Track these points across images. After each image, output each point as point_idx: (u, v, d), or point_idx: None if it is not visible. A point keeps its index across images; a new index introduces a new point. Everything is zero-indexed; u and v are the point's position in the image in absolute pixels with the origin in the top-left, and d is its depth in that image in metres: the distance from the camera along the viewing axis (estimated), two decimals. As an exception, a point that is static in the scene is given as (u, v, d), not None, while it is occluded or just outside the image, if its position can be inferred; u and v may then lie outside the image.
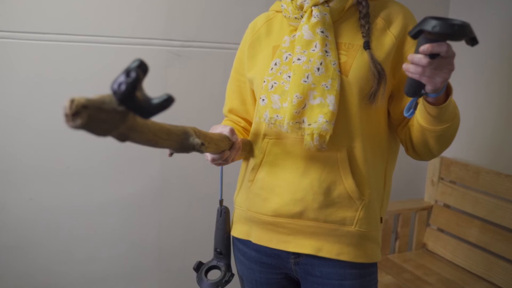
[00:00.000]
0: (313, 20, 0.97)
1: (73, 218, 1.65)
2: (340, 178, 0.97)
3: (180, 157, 1.75)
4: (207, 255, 1.85)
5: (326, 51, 0.95)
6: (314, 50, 0.95)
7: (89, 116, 0.47)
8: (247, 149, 1.07)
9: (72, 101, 0.46)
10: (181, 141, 0.76)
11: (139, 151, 1.69)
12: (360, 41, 0.98)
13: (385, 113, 1.02)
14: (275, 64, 0.99)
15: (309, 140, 0.93)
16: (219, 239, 1.13)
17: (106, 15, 1.57)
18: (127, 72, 0.51)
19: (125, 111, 0.53)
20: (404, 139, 1.02)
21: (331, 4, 0.99)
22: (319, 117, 0.92)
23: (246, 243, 1.10)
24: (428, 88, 0.83)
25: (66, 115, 0.46)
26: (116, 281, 1.75)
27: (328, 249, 0.99)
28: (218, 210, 1.15)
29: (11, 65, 1.50)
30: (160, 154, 1.71)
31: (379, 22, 0.99)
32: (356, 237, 0.98)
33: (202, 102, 1.75)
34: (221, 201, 1.16)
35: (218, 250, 1.13)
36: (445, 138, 0.94)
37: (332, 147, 0.96)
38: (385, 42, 0.97)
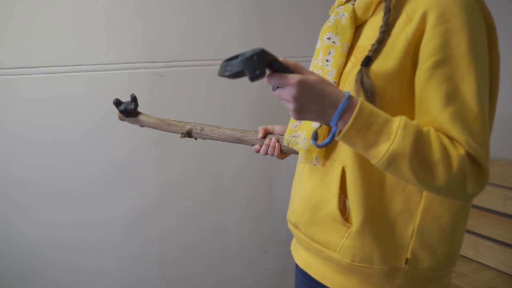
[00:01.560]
0: (327, 25, 0.88)
1: (76, 238, 1.73)
2: (329, 197, 0.86)
3: (174, 171, 1.83)
4: (208, 261, 1.94)
5: (326, 60, 0.85)
6: (317, 60, 0.88)
7: None
8: None
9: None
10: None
11: (133, 169, 1.77)
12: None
13: None
14: None
15: (300, 155, 0.89)
16: None
17: (88, 44, 1.65)
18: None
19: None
20: None
21: (356, 2, 0.86)
22: (303, 133, 0.88)
23: None
24: None
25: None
26: (124, 296, 1.83)
27: (315, 269, 0.92)
28: None
29: (6, 102, 1.58)
30: (154, 168, 1.79)
31: (403, 17, 0.77)
32: (341, 266, 0.86)
33: (188, 118, 1.82)
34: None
35: None
36: (399, 177, 0.75)
37: (330, 163, 0.87)
38: (395, 48, 0.77)
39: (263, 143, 1.03)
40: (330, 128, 0.84)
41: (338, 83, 0.84)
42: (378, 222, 0.82)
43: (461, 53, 0.71)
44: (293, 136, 0.91)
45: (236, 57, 0.69)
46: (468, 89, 0.72)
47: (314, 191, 0.89)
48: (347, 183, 0.83)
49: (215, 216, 1.96)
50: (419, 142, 0.69)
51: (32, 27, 1.57)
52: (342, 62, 0.84)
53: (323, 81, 0.71)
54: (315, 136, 0.80)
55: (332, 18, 0.88)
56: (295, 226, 0.96)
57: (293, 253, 1.03)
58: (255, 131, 1.05)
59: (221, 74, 0.69)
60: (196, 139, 1.17)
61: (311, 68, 0.90)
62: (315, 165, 0.87)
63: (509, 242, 1.80)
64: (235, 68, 0.66)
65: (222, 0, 1.80)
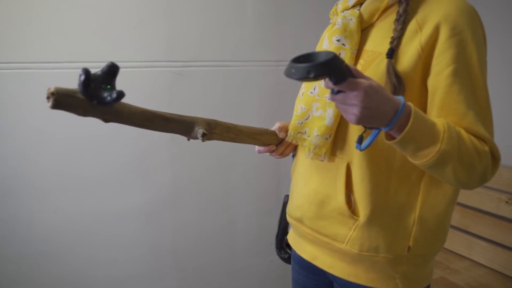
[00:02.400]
0: (335, 27, 0.92)
1: (94, 225, 1.82)
2: (335, 192, 0.91)
3: (190, 164, 1.93)
4: (219, 253, 2.04)
5: None
6: None
7: (56, 101, 0.71)
8: None
9: (48, 89, 0.69)
10: (187, 130, 0.91)
11: (151, 163, 1.86)
12: (384, 48, 0.86)
13: None
14: None
15: (306, 152, 0.93)
16: (278, 221, 1.25)
17: (112, 42, 1.73)
18: (80, 73, 0.71)
19: (86, 99, 0.72)
20: None
21: (362, 7, 0.91)
22: (314, 130, 0.91)
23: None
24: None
25: (46, 99, 0.68)
26: (137, 282, 1.93)
27: (322, 260, 0.98)
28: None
29: (33, 94, 1.66)
30: (170, 163, 1.89)
31: (413, 24, 0.84)
32: (348, 256, 0.92)
33: (206, 115, 1.91)
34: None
35: (278, 231, 1.25)
36: (442, 173, 0.79)
37: (334, 160, 0.92)
38: (409, 51, 0.83)
39: (279, 142, 1.03)
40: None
41: None
42: (384, 214, 0.88)
43: (474, 62, 0.81)
44: (299, 133, 0.94)
45: (298, 59, 0.69)
46: (481, 94, 0.83)
47: (320, 187, 0.94)
48: (353, 179, 0.89)
49: (226, 209, 2.05)
50: (461, 141, 0.77)
51: (60, 25, 1.65)
52: (352, 64, 0.89)
53: (382, 86, 0.73)
54: (360, 140, 0.80)
55: (340, 21, 0.92)
56: (299, 221, 1.01)
57: (294, 246, 1.09)
58: (271, 130, 1.03)
59: (301, 75, 0.66)
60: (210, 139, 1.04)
61: None
62: (321, 160, 0.92)
63: (500, 242, 1.91)
64: (323, 71, 0.65)
65: (240, 4, 1.89)
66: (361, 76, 0.73)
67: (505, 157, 1.95)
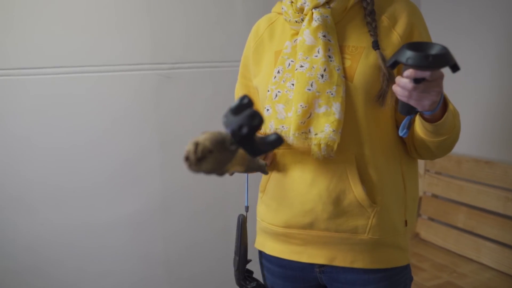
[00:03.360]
0: (314, 23, 0.92)
1: (82, 237, 1.76)
2: (350, 186, 0.93)
3: (179, 172, 1.86)
4: (212, 262, 1.96)
5: (329, 56, 0.91)
6: (317, 56, 0.91)
7: (215, 160, 0.45)
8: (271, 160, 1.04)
9: (196, 144, 0.43)
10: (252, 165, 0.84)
11: (138, 169, 1.80)
12: (365, 43, 0.93)
13: (393, 116, 0.97)
14: (278, 72, 0.96)
15: (316, 150, 0.90)
16: (236, 247, 1.08)
17: (95, 46, 1.68)
18: (251, 117, 0.51)
19: (235, 150, 0.54)
20: (407, 143, 0.99)
21: (332, 4, 0.94)
22: (325, 126, 0.89)
23: (270, 259, 1.07)
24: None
25: (189, 160, 0.41)
26: (129, 295, 1.86)
27: (342, 258, 0.97)
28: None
29: (14, 101, 1.60)
30: (159, 171, 1.82)
31: (384, 20, 0.94)
32: (370, 244, 0.95)
33: (194, 119, 1.86)
34: (246, 207, 1.10)
35: (236, 258, 1.08)
36: (446, 146, 0.92)
37: (339, 155, 0.92)
38: (392, 41, 0.92)
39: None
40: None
41: (346, 77, 0.91)
42: (390, 195, 0.95)
43: None
44: (302, 133, 0.91)
45: (418, 46, 0.75)
46: None
47: (331, 185, 0.93)
48: (364, 169, 0.93)
49: (219, 217, 1.98)
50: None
51: (40, 28, 1.61)
52: (341, 59, 0.92)
53: None
54: (408, 126, 0.89)
55: (319, 18, 0.92)
56: (309, 227, 0.96)
57: (295, 257, 1.01)
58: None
59: (423, 63, 0.72)
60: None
61: (307, 66, 0.91)
62: (331, 156, 0.90)
63: (509, 243, 1.82)
64: (445, 61, 0.73)
65: (228, 2, 1.83)
66: None
67: (510, 155, 1.88)
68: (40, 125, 1.65)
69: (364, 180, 0.93)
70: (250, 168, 0.84)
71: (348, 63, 0.92)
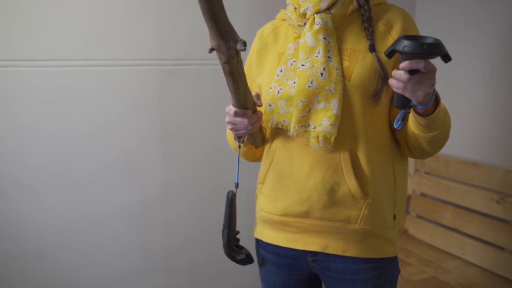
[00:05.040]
0: (316, 27, 1.00)
1: (84, 224, 1.82)
2: (344, 178, 1.00)
3: (178, 164, 1.93)
4: (209, 251, 2.03)
5: (329, 57, 0.99)
6: (317, 56, 0.99)
7: None
8: (262, 136, 1.11)
9: None
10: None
11: (140, 161, 1.86)
12: (362, 46, 1.01)
13: (387, 115, 1.05)
14: (281, 70, 1.04)
15: (314, 143, 0.98)
16: (225, 220, 1.12)
17: (102, 40, 1.73)
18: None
19: None
20: (400, 141, 1.06)
21: (332, 11, 1.02)
22: (323, 120, 0.97)
23: (266, 247, 1.14)
24: (413, 101, 0.88)
25: None
26: (128, 281, 1.92)
27: (334, 246, 1.03)
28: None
29: (21, 92, 1.66)
30: (159, 162, 1.89)
31: (380, 26, 1.02)
32: (361, 234, 1.01)
33: (197, 114, 1.93)
34: (236, 184, 1.13)
35: (225, 230, 1.11)
36: (437, 142, 0.98)
37: (336, 149, 1.00)
38: (387, 45, 1.00)
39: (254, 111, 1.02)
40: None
41: (344, 76, 0.99)
42: (381, 188, 1.02)
43: None
44: (302, 126, 0.99)
45: (414, 38, 0.81)
46: None
47: (326, 176, 1.00)
48: (358, 163, 1.00)
49: (216, 207, 2.04)
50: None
51: (49, 22, 1.66)
52: (340, 60, 1.00)
53: None
54: (403, 118, 0.95)
55: (320, 21, 1.00)
56: (304, 215, 1.03)
57: (290, 244, 1.07)
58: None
59: (418, 50, 0.79)
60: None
61: (307, 65, 0.99)
62: (328, 150, 0.99)
63: (492, 241, 1.91)
64: (438, 50, 0.80)
65: (230, 3, 1.89)
66: None
67: (496, 157, 1.96)
68: (47, 116, 1.71)
69: (358, 173, 1.00)
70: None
71: (346, 63, 1.00)
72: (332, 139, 0.97)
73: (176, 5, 1.82)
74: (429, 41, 0.81)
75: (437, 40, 0.81)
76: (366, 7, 1.02)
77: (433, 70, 0.84)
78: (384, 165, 1.04)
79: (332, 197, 1.01)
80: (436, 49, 0.80)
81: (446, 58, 0.82)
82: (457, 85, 2.11)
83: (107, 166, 1.82)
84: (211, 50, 0.86)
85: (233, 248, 1.12)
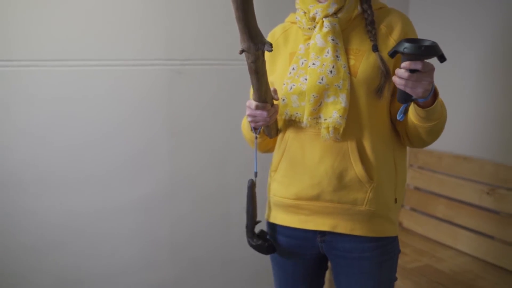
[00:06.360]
0: (325, 29, 1.11)
1: (95, 219, 1.89)
2: (351, 165, 1.11)
3: (186, 161, 2.01)
4: (214, 245, 2.11)
5: (337, 56, 1.10)
6: (326, 56, 1.10)
7: None
8: (276, 127, 1.22)
9: None
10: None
11: (149, 158, 1.94)
12: (366, 47, 1.12)
13: (388, 109, 1.16)
14: (293, 68, 1.15)
15: (325, 133, 1.09)
16: (247, 208, 1.23)
17: (115, 42, 1.81)
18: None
19: None
20: (400, 131, 1.17)
21: (339, 15, 1.13)
22: (333, 113, 1.08)
23: (278, 230, 1.24)
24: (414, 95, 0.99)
25: None
26: (137, 273, 2.00)
27: (343, 226, 1.14)
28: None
29: (35, 90, 1.73)
30: (168, 159, 1.96)
31: (382, 28, 1.13)
32: (367, 215, 1.12)
33: (202, 112, 2.01)
34: (255, 173, 1.24)
35: (247, 217, 1.22)
36: (434, 132, 1.09)
37: (343, 138, 1.10)
38: (388, 45, 1.11)
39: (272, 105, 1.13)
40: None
41: (350, 73, 1.10)
42: (384, 174, 1.13)
43: None
44: (314, 118, 1.10)
45: (414, 41, 0.93)
46: None
47: (335, 163, 1.12)
48: (364, 151, 1.11)
49: (221, 203, 2.13)
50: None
51: (61, 24, 1.72)
52: (347, 59, 1.11)
53: None
54: (405, 111, 1.05)
55: (328, 25, 1.11)
56: (316, 198, 1.14)
57: (303, 225, 1.17)
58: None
59: (416, 51, 0.91)
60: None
61: (318, 63, 1.10)
62: (337, 139, 1.10)
63: (482, 231, 2.02)
64: (434, 51, 0.91)
65: (231, 5, 1.97)
66: None
67: (486, 152, 2.07)
68: (60, 115, 1.78)
69: (364, 160, 1.11)
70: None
71: (352, 62, 1.11)
72: (341, 130, 1.08)
73: (183, 8, 1.90)
74: (426, 43, 0.91)
75: (433, 42, 0.91)
76: (369, 12, 1.13)
77: (431, 69, 0.95)
78: (386, 153, 1.15)
79: (340, 181, 1.11)
80: (432, 51, 0.90)
81: (442, 58, 0.93)
82: (448, 83, 2.21)
83: (117, 163, 1.89)
84: (242, 51, 0.98)
85: (251, 233, 1.21)
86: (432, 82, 0.97)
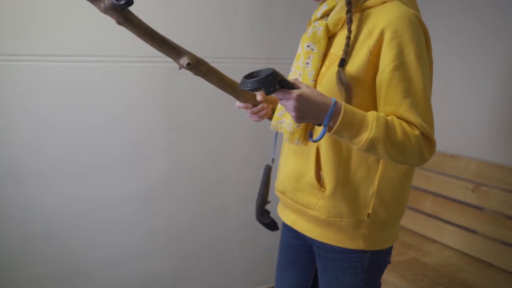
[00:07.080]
0: (305, 35, 1.09)
1: (94, 209, 1.94)
2: (308, 170, 1.10)
3: (184, 153, 2.07)
4: (210, 236, 2.18)
5: (306, 63, 1.07)
6: (299, 63, 1.09)
7: None
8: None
9: None
10: (176, 56, 1.09)
11: (147, 151, 1.99)
12: (341, 52, 1.03)
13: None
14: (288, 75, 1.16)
15: (285, 137, 1.12)
16: (260, 189, 1.31)
17: (111, 38, 1.85)
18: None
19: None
20: None
21: (327, 18, 1.09)
22: (288, 119, 1.10)
23: (283, 224, 1.32)
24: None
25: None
26: (135, 263, 2.06)
27: (300, 224, 1.17)
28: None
29: (38, 86, 1.78)
30: (166, 152, 2.03)
31: (366, 31, 1.00)
32: (319, 221, 1.11)
33: (198, 108, 2.07)
34: (272, 160, 1.31)
35: (258, 198, 1.31)
36: (377, 153, 0.96)
37: (307, 144, 1.11)
38: (360, 55, 0.99)
39: (256, 104, 1.21)
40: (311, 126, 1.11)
41: (316, 81, 1.06)
42: (346, 186, 1.06)
43: (411, 59, 0.96)
44: (279, 122, 1.13)
45: (252, 74, 0.89)
46: (418, 86, 0.97)
47: (296, 165, 1.14)
48: (321, 159, 1.08)
49: (218, 196, 2.19)
50: (388, 128, 0.93)
51: (63, 20, 1.76)
52: (319, 65, 1.07)
53: (315, 92, 0.93)
54: (311, 134, 1.05)
55: (310, 30, 1.09)
56: (283, 193, 1.20)
57: (280, 214, 1.28)
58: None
59: (242, 88, 0.88)
60: (194, 73, 1.17)
61: (293, 70, 1.11)
62: (296, 144, 1.11)
63: (467, 226, 2.11)
64: (255, 85, 0.87)
65: (232, 6, 2.03)
66: (299, 86, 0.92)
67: (471, 150, 2.15)
68: (61, 108, 1.82)
69: (320, 167, 1.09)
70: (177, 61, 1.14)
71: (324, 69, 1.06)
72: (296, 135, 1.09)
73: (181, 4, 1.95)
74: (261, 74, 0.88)
75: (267, 71, 0.87)
76: (348, 15, 1.02)
77: (288, 104, 0.90)
78: (355, 166, 1.06)
79: (298, 183, 1.13)
80: (258, 84, 0.87)
81: (267, 90, 0.88)
82: (435, 85, 2.28)
83: (117, 155, 1.95)
84: (180, 68, 1.12)
85: (262, 213, 1.30)
86: (294, 110, 0.91)
